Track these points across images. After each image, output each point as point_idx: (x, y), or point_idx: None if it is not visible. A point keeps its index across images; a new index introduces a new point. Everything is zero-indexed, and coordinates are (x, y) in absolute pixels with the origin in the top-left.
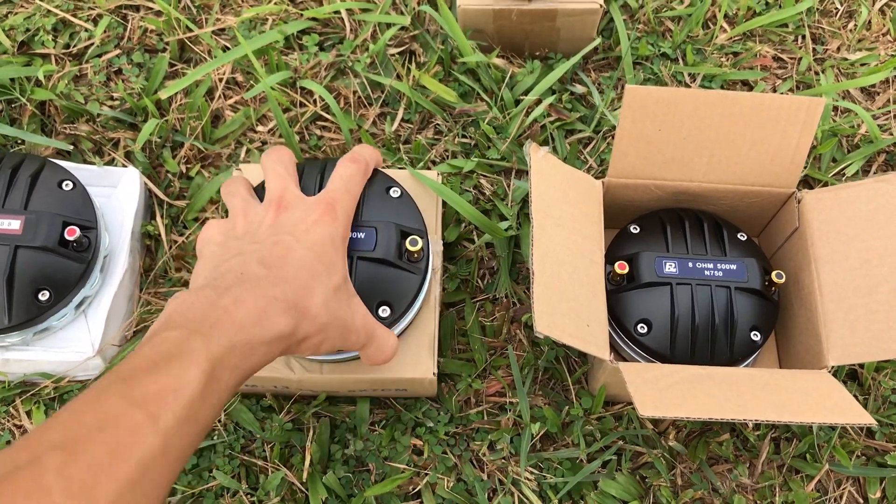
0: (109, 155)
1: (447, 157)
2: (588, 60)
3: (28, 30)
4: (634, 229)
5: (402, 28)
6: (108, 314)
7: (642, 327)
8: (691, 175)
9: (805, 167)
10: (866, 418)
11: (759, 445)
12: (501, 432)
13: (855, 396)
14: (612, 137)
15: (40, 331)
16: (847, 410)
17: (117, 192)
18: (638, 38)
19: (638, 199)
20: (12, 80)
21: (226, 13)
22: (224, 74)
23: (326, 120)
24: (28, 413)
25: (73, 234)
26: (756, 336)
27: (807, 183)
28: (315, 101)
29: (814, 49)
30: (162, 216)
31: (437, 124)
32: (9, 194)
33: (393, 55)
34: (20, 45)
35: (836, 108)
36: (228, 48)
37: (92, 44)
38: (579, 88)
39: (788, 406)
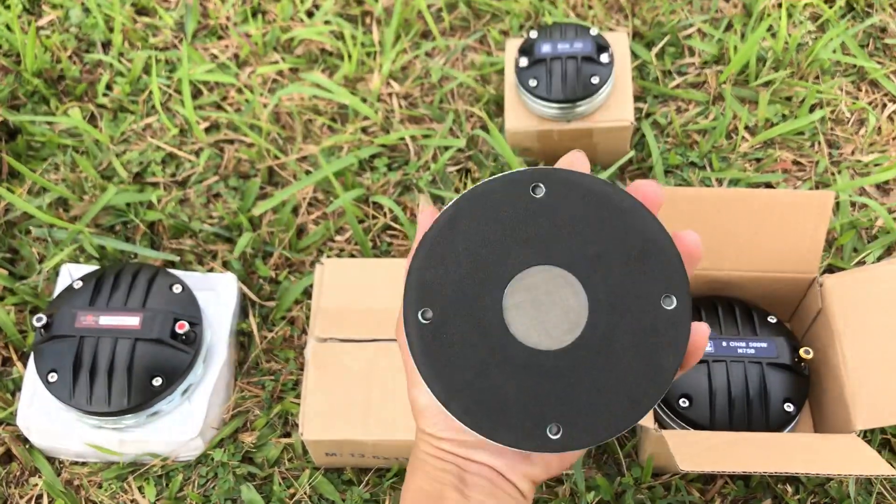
0: (209, 264)
1: None
2: (624, 170)
3: (142, 163)
4: None
5: (459, 150)
6: (209, 400)
7: (684, 401)
8: (721, 264)
9: (829, 257)
10: (888, 469)
11: None
12: (559, 502)
13: (890, 463)
14: None
15: (151, 414)
16: (870, 464)
17: (217, 295)
18: (668, 149)
19: None
20: (128, 204)
21: (307, 143)
22: (307, 194)
23: (395, 229)
24: (140, 489)
25: (182, 328)
26: (790, 407)
27: (832, 271)
28: (385, 214)
29: (829, 153)
30: (254, 315)
31: None
32: (130, 296)
33: (451, 172)
34: (135, 175)
35: (853, 204)
36: (310, 171)
37: (194, 172)
38: None
39: (817, 462)
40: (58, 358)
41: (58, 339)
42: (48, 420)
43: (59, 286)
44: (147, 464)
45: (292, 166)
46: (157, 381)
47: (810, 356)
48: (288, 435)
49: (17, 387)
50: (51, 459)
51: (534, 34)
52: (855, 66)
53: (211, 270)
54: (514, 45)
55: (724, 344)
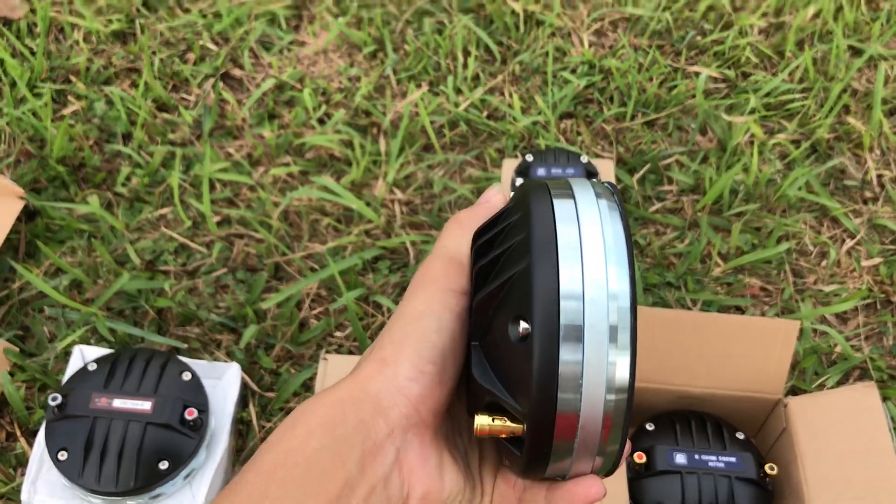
0: (213, 353)
1: None
2: None
3: (154, 251)
4: (650, 426)
5: None
6: (209, 485)
7: None
8: (694, 381)
9: (792, 379)
10: None
11: None
12: None
13: None
14: None
15: (155, 496)
16: None
17: (221, 383)
18: (647, 268)
19: (652, 400)
20: (139, 290)
21: (313, 241)
22: (312, 290)
23: None
24: None
25: (192, 414)
26: None
27: (795, 392)
28: (384, 312)
29: (794, 281)
30: (254, 405)
31: None
32: (143, 381)
33: None
34: (147, 262)
35: (815, 331)
36: (315, 268)
37: (204, 263)
38: None
39: None
40: (70, 437)
41: (71, 419)
42: (52, 497)
43: (72, 367)
44: None
45: (298, 263)
46: (164, 465)
47: (775, 472)
48: None
49: (20, 462)
50: None
51: (530, 157)
52: (818, 203)
53: (215, 359)
54: (510, 164)
55: (697, 457)
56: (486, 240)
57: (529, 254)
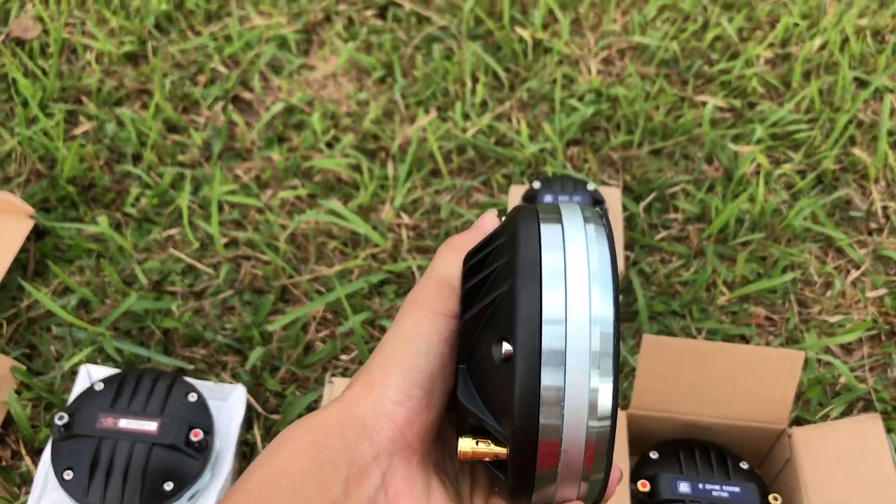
0: (218, 374)
1: None
2: None
3: (162, 272)
4: (653, 455)
5: None
6: None
7: None
8: (699, 410)
9: (796, 409)
10: None
11: None
12: None
13: None
14: (633, 377)
15: None
16: None
17: (227, 405)
18: (652, 297)
19: (656, 429)
20: (146, 311)
21: (319, 264)
22: (318, 313)
23: None
24: None
25: (197, 435)
26: None
27: (799, 422)
28: None
29: (799, 311)
30: (259, 427)
31: None
32: (149, 402)
33: None
34: (155, 283)
35: (819, 361)
36: (321, 291)
37: (211, 285)
38: None
39: None
40: (76, 456)
41: (77, 439)
42: None
43: (78, 386)
44: None
45: (304, 285)
46: (169, 486)
47: (779, 502)
48: None
49: (24, 481)
50: None
51: (537, 184)
52: (823, 233)
53: (221, 380)
54: (517, 191)
55: (701, 486)
56: (475, 262)
57: (514, 276)
